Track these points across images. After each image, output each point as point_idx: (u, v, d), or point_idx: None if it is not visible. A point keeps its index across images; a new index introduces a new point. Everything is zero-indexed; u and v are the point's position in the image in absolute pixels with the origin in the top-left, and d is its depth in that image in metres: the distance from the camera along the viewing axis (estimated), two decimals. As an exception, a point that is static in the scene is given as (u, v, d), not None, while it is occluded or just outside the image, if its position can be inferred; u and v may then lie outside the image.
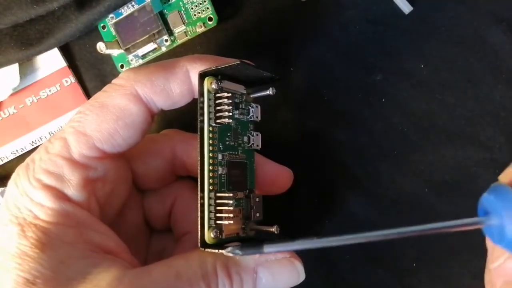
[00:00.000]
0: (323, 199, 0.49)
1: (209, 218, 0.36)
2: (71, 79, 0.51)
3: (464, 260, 0.47)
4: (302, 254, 0.39)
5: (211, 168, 0.37)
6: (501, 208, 0.27)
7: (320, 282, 0.49)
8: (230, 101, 0.38)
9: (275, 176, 0.45)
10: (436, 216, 0.47)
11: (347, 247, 0.48)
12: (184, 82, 0.38)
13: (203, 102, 0.37)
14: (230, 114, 0.38)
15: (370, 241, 0.30)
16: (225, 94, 0.38)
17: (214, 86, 0.37)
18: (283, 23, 0.49)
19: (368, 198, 0.48)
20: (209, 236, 0.36)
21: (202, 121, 0.37)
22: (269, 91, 0.40)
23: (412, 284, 0.48)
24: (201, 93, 0.37)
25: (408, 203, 0.48)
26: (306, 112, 0.49)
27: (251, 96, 0.41)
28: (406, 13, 0.47)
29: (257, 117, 0.42)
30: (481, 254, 0.46)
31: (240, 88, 0.40)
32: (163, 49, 0.49)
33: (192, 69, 0.38)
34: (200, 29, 0.49)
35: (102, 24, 0.49)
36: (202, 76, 0.37)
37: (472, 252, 0.46)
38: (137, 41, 0.48)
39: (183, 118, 0.44)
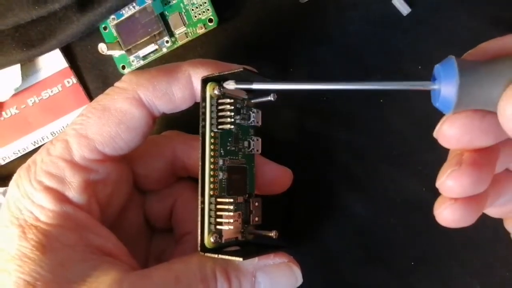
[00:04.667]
0: (322, 199, 0.49)
1: (209, 223, 0.36)
2: (72, 79, 0.51)
3: (464, 259, 0.47)
4: (302, 255, 0.40)
5: (212, 173, 0.37)
6: (442, 74, 0.30)
7: (320, 282, 0.49)
8: (232, 107, 0.38)
9: (275, 176, 0.45)
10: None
11: (348, 247, 0.48)
12: (186, 86, 0.39)
13: (205, 108, 0.37)
14: (232, 120, 0.38)
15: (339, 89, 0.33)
16: (227, 100, 0.38)
17: (216, 91, 0.37)
18: (283, 24, 0.49)
19: (368, 198, 0.48)
20: (208, 240, 0.36)
21: (204, 127, 0.37)
22: (271, 97, 0.40)
23: (412, 283, 0.48)
24: (204, 99, 0.37)
25: (407, 203, 0.48)
26: (306, 112, 0.49)
27: (252, 101, 0.41)
28: (405, 14, 0.47)
29: (257, 122, 0.42)
30: (481, 254, 0.46)
31: (242, 94, 0.40)
32: (164, 50, 0.49)
33: (195, 74, 0.38)
34: (200, 31, 0.49)
35: (103, 25, 0.50)
36: (205, 81, 0.37)
37: (472, 252, 0.47)
38: (138, 42, 0.48)
39: (184, 119, 0.44)
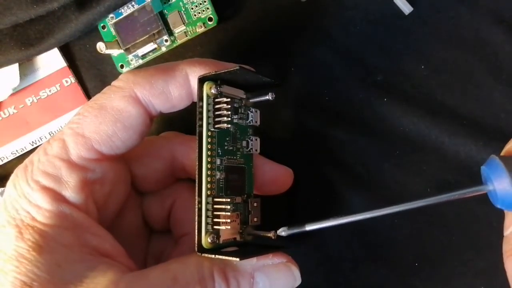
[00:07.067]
0: (323, 199, 0.49)
1: (206, 223, 0.36)
2: (71, 79, 0.51)
3: (466, 259, 0.47)
4: (303, 255, 0.39)
5: (209, 173, 0.37)
6: (492, 177, 0.33)
7: (322, 281, 0.49)
8: (229, 106, 0.38)
9: (276, 176, 0.45)
10: (439, 215, 0.47)
11: (349, 247, 0.48)
12: (183, 85, 0.39)
13: (202, 107, 0.37)
14: (229, 119, 0.38)
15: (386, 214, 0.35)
16: (224, 99, 0.38)
17: (213, 91, 0.37)
18: (283, 23, 0.49)
19: (370, 198, 0.48)
20: (206, 241, 0.36)
21: (201, 126, 0.37)
22: (269, 96, 0.40)
23: (414, 283, 0.47)
24: (200, 98, 0.37)
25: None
26: (307, 112, 0.49)
27: (250, 101, 0.41)
28: (406, 13, 0.47)
29: (256, 122, 0.42)
30: (483, 253, 0.46)
31: (240, 93, 0.40)
32: (163, 49, 0.49)
33: (192, 72, 0.38)
34: (200, 29, 0.49)
35: (102, 24, 0.49)
36: (202, 80, 0.37)
37: (474, 251, 0.46)
38: (137, 41, 0.48)
39: (183, 120, 0.44)
